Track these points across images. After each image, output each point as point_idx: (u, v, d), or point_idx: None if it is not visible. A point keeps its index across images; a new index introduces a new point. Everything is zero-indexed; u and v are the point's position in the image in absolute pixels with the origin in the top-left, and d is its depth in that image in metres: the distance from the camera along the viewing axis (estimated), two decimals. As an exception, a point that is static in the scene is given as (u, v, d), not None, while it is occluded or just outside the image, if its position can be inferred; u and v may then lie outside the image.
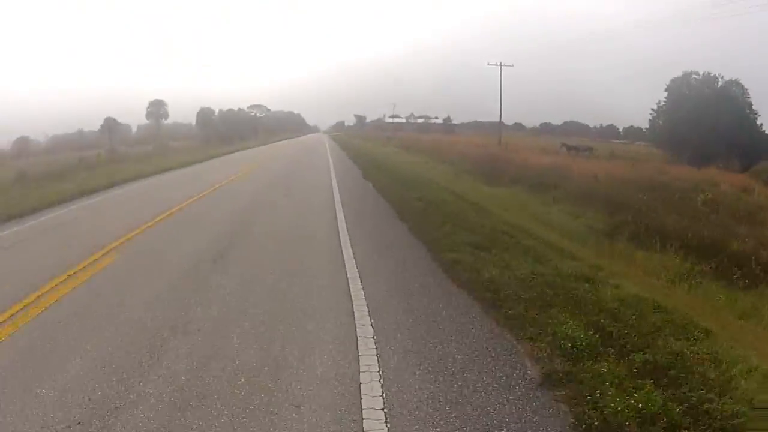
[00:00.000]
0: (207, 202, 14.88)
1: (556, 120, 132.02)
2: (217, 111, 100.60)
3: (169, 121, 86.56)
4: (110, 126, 69.51)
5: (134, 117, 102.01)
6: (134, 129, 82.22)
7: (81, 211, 13.44)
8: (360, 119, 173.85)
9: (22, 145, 45.71)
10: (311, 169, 26.46)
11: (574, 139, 59.95)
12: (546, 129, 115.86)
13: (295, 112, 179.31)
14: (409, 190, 16.17)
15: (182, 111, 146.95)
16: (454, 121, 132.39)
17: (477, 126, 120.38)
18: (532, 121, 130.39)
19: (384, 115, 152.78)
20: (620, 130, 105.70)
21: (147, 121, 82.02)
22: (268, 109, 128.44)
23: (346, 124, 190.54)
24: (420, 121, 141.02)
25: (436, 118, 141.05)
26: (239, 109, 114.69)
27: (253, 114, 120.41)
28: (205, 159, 36.36)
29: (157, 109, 78.95)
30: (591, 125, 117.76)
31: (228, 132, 79.74)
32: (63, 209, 13.57)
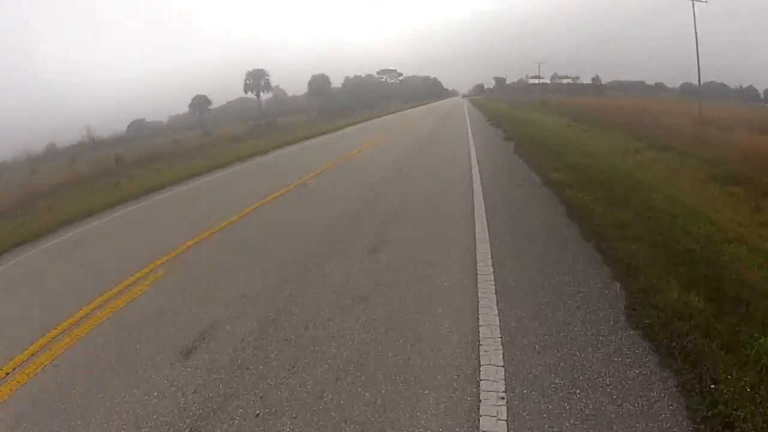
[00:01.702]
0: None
1: (695, 80, 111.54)
2: (342, 79, 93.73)
3: (270, 94, 78.86)
4: (200, 105, 64.87)
5: (233, 91, 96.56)
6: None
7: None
8: (500, 81, 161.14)
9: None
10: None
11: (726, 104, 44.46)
12: (686, 90, 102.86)
13: (431, 76, 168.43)
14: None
15: (291, 82, 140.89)
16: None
17: (623, 87, 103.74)
18: (672, 80, 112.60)
19: (526, 76, 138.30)
20: (761, 92, 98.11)
21: (245, 95, 75.32)
22: (399, 74, 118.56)
23: (485, 87, 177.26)
24: (565, 81, 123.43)
25: (577, 78, 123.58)
26: (367, 75, 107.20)
27: (383, 80, 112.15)
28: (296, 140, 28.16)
29: (256, 80, 72.01)
30: (731, 86, 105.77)
31: (350, 102, 71.95)
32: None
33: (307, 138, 29.35)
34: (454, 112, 47.11)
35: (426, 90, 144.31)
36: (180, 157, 25.90)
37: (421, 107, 75.30)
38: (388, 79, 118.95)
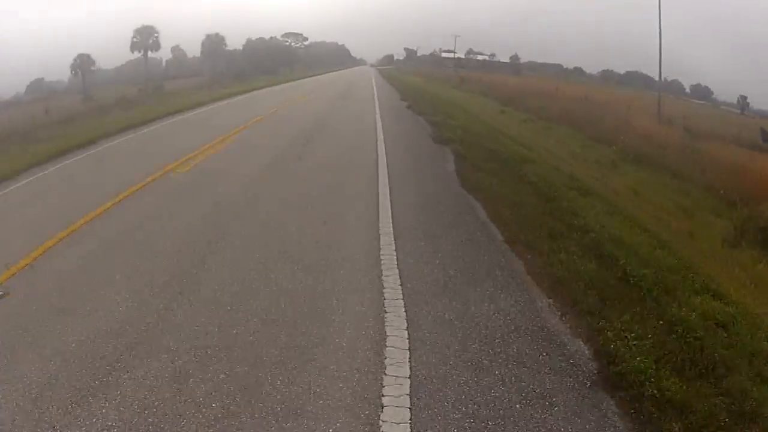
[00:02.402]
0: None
1: (618, 68, 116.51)
2: (244, 41, 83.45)
3: (160, 54, 67.58)
4: (83, 66, 54.17)
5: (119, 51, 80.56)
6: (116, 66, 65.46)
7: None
8: (411, 53, 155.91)
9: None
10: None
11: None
12: (606, 77, 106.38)
13: (339, 43, 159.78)
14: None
15: (187, 41, 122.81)
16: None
17: (541, 68, 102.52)
18: (591, 66, 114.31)
19: (438, 50, 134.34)
20: (686, 87, 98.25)
21: (134, 55, 63.78)
22: (305, 38, 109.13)
23: (395, 58, 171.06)
24: (480, 58, 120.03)
25: (494, 55, 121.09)
26: (271, 38, 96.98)
27: (287, 44, 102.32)
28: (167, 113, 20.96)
29: (144, 38, 61.16)
30: (656, 78, 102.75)
31: (249, 66, 62.95)
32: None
33: (181, 111, 22.09)
34: (358, 87, 40.45)
35: (333, 57, 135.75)
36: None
37: (324, 75, 67.75)
38: (293, 43, 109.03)
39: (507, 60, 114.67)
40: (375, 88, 35.02)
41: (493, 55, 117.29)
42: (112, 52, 68.85)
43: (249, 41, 78.62)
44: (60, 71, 59.10)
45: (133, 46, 61.04)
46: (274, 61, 73.78)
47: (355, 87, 39.86)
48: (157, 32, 61.97)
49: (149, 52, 62.10)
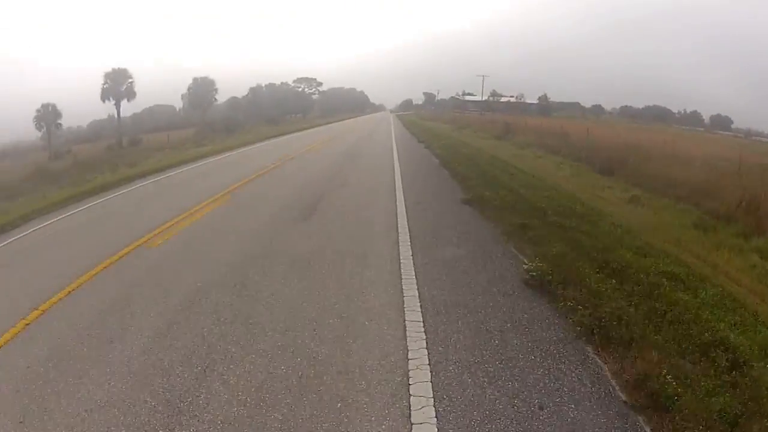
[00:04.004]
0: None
1: (637, 104, 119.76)
2: (247, 89, 75.60)
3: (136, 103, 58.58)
4: (47, 118, 46.84)
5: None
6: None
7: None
8: (429, 97, 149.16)
9: None
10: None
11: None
12: (627, 113, 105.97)
13: (358, 89, 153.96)
14: None
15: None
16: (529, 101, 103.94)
17: (564, 108, 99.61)
18: (610, 103, 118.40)
19: (461, 93, 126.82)
20: (705, 118, 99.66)
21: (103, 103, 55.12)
22: (319, 83, 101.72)
23: (414, 102, 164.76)
24: (504, 99, 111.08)
25: (522, 96, 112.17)
26: (282, 83, 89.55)
27: (299, 89, 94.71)
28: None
29: (116, 83, 52.46)
30: (674, 111, 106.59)
31: (247, 116, 54.78)
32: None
33: (144, 175, 17.19)
34: (376, 138, 31.24)
35: (350, 103, 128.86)
36: None
37: (337, 124, 59.12)
38: (306, 89, 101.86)
39: (534, 101, 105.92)
40: (395, 146, 25.69)
41: (521, 95, 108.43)
42: (83, 109, 59.67)
43: (252, 88, 70.52)
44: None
45: (104, 94, 52.69)
46: (281, 108, 65.62)
47: (374, 136, 30.59)
48: (131, 77, 53.71)
49: (124, 101, 53.59)
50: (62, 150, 42.40)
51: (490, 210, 9.19)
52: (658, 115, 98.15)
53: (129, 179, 16.05)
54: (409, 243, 7.35)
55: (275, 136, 36.43)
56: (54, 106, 50.37)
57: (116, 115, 52.64)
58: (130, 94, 53.66)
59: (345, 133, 39.33)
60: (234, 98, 70.04)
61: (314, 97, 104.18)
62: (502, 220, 8.35)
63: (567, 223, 8.10)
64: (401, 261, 6.53)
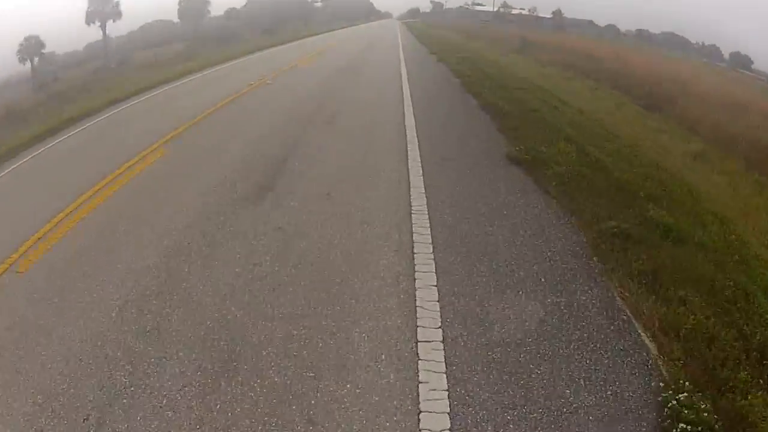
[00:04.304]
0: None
1: (653, 28, 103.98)
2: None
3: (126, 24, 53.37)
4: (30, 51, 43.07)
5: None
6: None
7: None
8: (437, 5, 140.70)
9: None
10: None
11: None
12: (643, 36, 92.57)
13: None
14: None
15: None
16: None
17: (579, 25, 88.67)
18: (625, 24, 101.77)
19: (470, 2, 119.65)
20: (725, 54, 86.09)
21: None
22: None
23: (421, 10, 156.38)
24: (517, 12, 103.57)
25: (535, 9, 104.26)
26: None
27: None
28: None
29: (101, 4, 47.18)
30: (692, 41, 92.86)
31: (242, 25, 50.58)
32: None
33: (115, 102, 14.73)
34: (381, 46, 28.30)
35: (355, 10, 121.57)
36: None
37: (341, 31, 54.97)
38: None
39: (548, 15, 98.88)
40: (402, 49, 22.92)
41: (534, 9, 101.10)
42: (77, 34, 54.23)
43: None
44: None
45: (89, 17, 47.66)
46: (279, 16, 60.86)
47: (375, 50, 27.56)
48: None
49: (111, 21, 48.46)
50: (49, 79, 39.29)
51: (554, 182, 6.30)
52: (676, 43, 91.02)
53: (97, 110, 13.66)
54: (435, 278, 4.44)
55: (271, 47, 33.18)
56: (37, 38, 46.16)
57: (102, 36, 47.99)
58: (116, 15, 48.73)
59: (345, 42, 35.87)
60: (232, 9, 64.94)
61: (317, 4, 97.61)
62: (583, 213, 5.47)
63: (675, 224, 5.39)
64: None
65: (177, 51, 38.16)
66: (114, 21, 48.59)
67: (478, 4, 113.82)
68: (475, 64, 18.34)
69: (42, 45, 45.17)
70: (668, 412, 2.93)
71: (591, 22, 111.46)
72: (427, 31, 50.23)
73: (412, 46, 29.34)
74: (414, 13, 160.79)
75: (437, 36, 38.49)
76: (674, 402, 2.95)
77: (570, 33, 73.09)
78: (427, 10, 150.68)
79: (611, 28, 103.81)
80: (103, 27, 48.06)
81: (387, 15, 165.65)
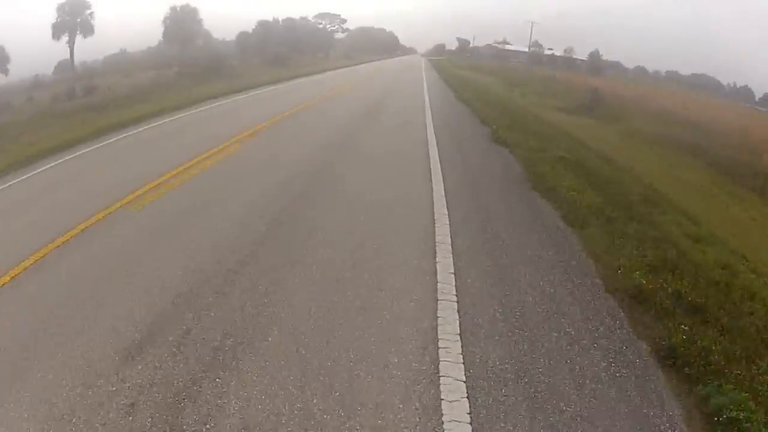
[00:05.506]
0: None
1: (683, 69, 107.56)
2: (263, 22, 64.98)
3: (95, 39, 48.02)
4: None
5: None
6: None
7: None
8: (463, 43, 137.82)
9: None
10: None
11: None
12: (672, 77, 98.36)
13: (387, 29, 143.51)
14: None
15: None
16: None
17: (613, 67, 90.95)
18: (654, 66, 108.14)
19: (502, 40, 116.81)
20: (756, 95, 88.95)
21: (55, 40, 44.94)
22: (344, 20, 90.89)
23: (446, 47, 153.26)
24: (548, 52, 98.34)
25: (571, 49, 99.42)
26: (301, 18, 78.45)
27: (321, 26, 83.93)
28: None
29: (72, 15, 41.76)
30: (724, 83, 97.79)
31: (252, 54, 45.13)
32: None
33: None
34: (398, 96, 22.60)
35: (379, 44, 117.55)
36: None
37: (361, 66, 49.33)
38: (329, 26, 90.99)
39: (584, 57, 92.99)
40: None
41: (570, 49, 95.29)
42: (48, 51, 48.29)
43: (261, 22, 59.68)
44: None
45: (55, 31, 42.44)
46: (294, 45, 55.60)
47: (392, 98, 21.42)
48: (89, 7, 43.29)
49: (79, 37, 43.15)
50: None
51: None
52: (705, 85, 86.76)
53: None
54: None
55: (270, 84, 27.29)
56: (2, 48, 41.08)
57: (70, 56, 42.62)
58: (87, 29, 43.44)
59: (363, 81, 29.98)
60: (244, 33, 59.63)
61: (338, 35, 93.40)
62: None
63: None
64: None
65: (137, 84, 29.92)
66: (84, 37, 42.99)
67: (508, 44, 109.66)
68: (541, 138, 11.87)
69: (7, 58, 39.83)
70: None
71: (618, 63, 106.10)
72: (455, 72, 44.06)
73: (442, 98, 22.93)
74: (440, 49, 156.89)
75: (472, 82, 32.24)
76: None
77: (605, 77, 67.71)
78: (452, 48, 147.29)
79: (639, 69, 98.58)
80: (71, 44, 42.48)
81: (411, 51, 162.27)
